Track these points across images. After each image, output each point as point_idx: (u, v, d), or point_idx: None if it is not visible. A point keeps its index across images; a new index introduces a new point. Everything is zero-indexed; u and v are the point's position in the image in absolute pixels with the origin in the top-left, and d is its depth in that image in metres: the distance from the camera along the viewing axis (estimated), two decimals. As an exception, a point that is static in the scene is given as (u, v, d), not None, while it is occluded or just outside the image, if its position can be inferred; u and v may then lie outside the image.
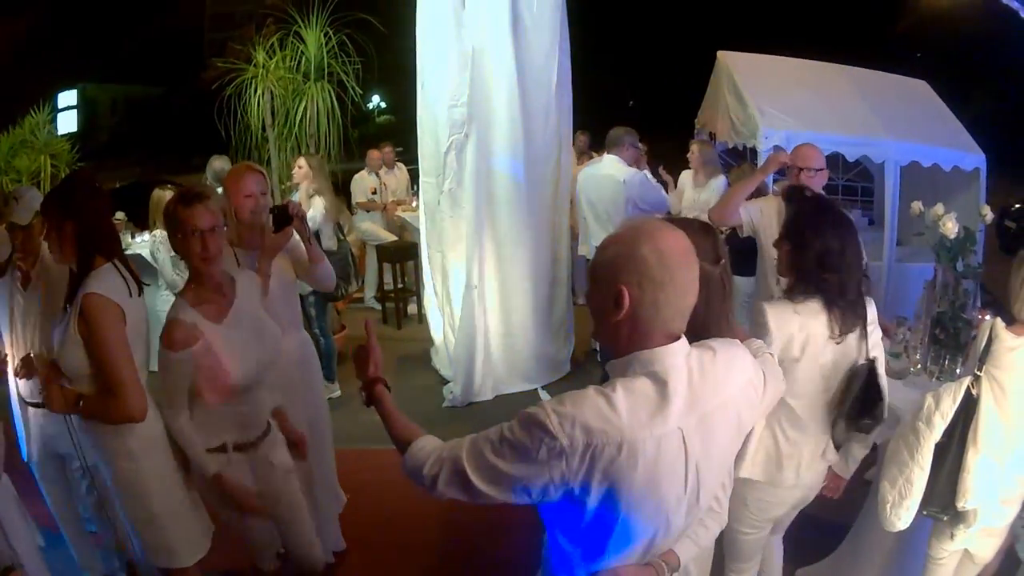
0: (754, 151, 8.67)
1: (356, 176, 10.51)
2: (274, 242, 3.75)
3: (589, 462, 1.84)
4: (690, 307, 1.95)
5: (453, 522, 4.93)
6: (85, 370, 3.05)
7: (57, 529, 4.28)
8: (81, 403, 3.05)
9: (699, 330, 2.12)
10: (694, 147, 8.32)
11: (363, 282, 9.39)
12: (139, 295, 3.25)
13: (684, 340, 1.97)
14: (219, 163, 6.27)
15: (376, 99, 14.57)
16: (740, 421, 2.11)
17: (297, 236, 3.94)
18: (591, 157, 7.91)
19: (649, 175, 7.45)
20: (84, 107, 16.91)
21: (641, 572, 2.03)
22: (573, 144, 8.22)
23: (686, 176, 8.46)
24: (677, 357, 1.93)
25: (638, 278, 1.86)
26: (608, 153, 6.92)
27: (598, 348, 7.74)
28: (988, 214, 4.62)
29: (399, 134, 11.36)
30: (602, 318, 1.99)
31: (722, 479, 2.22)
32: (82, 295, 3.00)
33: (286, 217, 3.77)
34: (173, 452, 3.27)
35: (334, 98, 9.11)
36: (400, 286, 9.56)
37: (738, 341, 2.23)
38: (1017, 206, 13.74)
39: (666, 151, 7.14)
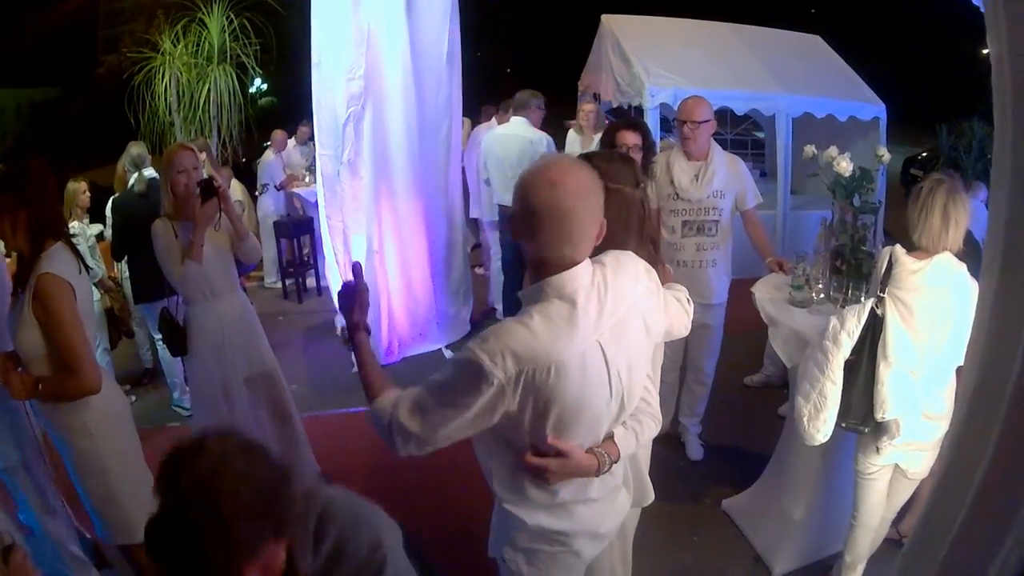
0: (640, 109, 8.94)
1: (262, 158, 10.33)
2: (204, 214, 4.00)
3: (524, 388, 1.97)
4: (593, 234, 2.06)
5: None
6: (41, 351, 3.07)
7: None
8: (40, 386, 3.07)
9: (616, 247, 2.31)
10: (588, 107, 8.40)
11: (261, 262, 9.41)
12: (86, 272, 3.33)
13: (588, 262, 2.10)
14: (136, 149, 6.30)
15: (257, 82, 14.36)
16: (647, 324, 2.24)
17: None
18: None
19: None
20: (-6, 113, 16.52)
21: (586, 458, 2.16)
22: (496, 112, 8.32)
23: (573, 136, 8.55)
24: (583, 278, 2.06)
25: (546, 205, 1.96)
26: (516, 115, 7.05)
27: (496, 307, 8.05)
28: (885, 155, 4.74)
29: (283, 115, 11.37)
30: (517, 243, 2.11)
31: (643, 379, 2.32)
32: (36, 276, 3.02)
33: (211, 190, 4.01)
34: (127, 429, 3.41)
35: (235, 79, 9.19)
36: (299, 261, 9.58)
37: (629, 253, 2.32)
38: (923, 154, 14.19)
39: (546, 114, 7.29)
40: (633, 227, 2.54)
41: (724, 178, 4.71)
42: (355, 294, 2.36)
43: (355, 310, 2.36)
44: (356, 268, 2.47)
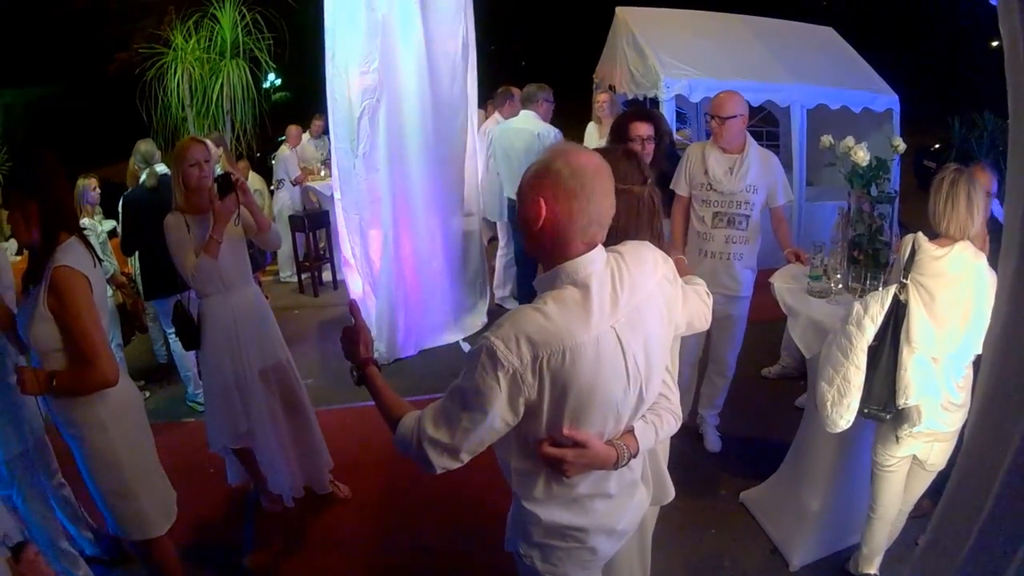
0: (655, 101, 8.91)
1: (277, 153, 10.37)
2: (224, 210, 4.01)
3: (540, 373, 1.97)
4: (607, 217, 2.07)
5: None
6: (56, 344, 3.05)
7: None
8: (54, 381, 3.04)
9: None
10: (603, 96, 8.44)
11: (275, 257, 9.47)
12: (100, 266, 3.33)
13: (601, 248, 2.10)
14: (144, 146, 6.34)
15: (271, 77, 14.38)
16: (667, 314, 2.26)
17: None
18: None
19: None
20: (2, 112, 16.64)
21: (604, 449, 2.14)
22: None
23: (591, 127, 8.62)
24: (596, 264, 2.06)
25: (553, 190, 1.99)
26: (524, 109, 7.14)
27: (500, 304, 8.12)
28: (900, 145, 4.73)
29: (298, 109, 11.36)
30: (528, 230, 2.10)
31: (663, 369, 2.31)
32: (51, 269, 3.00)
33: (229, 185, 4.01)
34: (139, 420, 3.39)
35: (248, 74, 9.22)
36: (314, 255, 9.59)
37: (647, 243, 2.32)
38: (936, 146, 14.05)
39: (561, 107, 7.31)
40: (644, 224, 2.53)
41: (758, 172, 4.73)
42: (357, 334, 2.38)
43: (359, 349, 2.37)
44: (353, 306, 2.49)
